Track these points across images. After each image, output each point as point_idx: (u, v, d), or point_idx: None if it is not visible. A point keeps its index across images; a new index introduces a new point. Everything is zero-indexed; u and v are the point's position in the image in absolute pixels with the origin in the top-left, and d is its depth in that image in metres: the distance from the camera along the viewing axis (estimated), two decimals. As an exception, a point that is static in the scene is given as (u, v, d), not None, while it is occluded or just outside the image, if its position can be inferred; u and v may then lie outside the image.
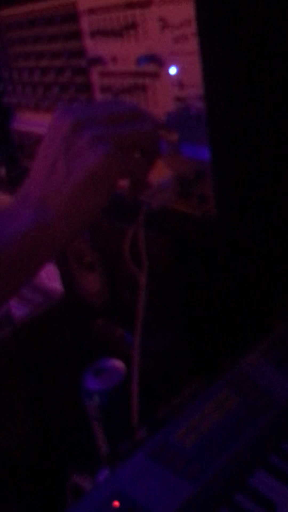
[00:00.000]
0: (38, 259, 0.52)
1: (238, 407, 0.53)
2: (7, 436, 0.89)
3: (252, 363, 0.58)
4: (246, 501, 0.46)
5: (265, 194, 0.58)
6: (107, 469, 0.56)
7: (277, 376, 0.56)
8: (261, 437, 0.51)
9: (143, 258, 0.61)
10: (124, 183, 0.55)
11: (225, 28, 0.51)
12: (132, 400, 0.68)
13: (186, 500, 0.46)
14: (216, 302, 0.65)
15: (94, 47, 0.67)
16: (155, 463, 0.49)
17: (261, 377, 0.56)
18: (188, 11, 0.52)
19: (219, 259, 0.62)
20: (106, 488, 0.47)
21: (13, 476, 0.86)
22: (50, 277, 1.01)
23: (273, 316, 0.63)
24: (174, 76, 0.57)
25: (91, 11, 0.65)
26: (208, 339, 0.69)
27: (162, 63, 0.57)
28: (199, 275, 0.64)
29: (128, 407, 0.69)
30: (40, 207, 0.50)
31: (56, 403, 0.91)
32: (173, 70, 0.57)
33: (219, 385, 0.56)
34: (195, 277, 0.65)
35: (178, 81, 0.57)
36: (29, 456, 0.88)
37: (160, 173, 0.61)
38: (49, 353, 0.94)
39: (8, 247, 0.49)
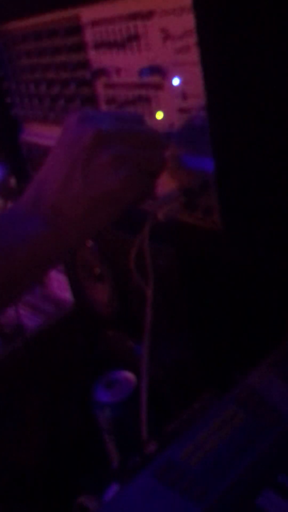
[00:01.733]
0: (46, 264, 0.53)
1: (246, 424, 0.52)
2: (18, 447, 0.89)
3: (260, 377, 0.57)
4: (254, 522, 0.45)
5: (270, 205, 0.57)
6: (116, 484, 0.55)
7: (286, 391, 0.55)
8: (269, 455, 0.50)
9: (149, 270, 0.61)
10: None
11: (226, 37, 0.51)
12: (141, 414, 0.68)
13: (192, 520, 0.45)
14: (225, 313, 0.64)
15: (98, 59, 0.67)
16: (161, 483, 0.48)
17: (269, 393, 0.55)
18: (189, 21, 0.51)
19: (226, 270, 0.61)
20: (111, 510, 0.46)
21: (23, 490, 0.86)
22: (61, 288, 1.01)
23: (283, 327, 0.62)
24: (177, 87, 0.57)
25: (94, 23, 0.65)
26: (217, 350, 0.68)
27: (165, 74, 0.57)
28: (206, 287, 0.63)
29: (139, 419, 0.68)
30: (54, 215, 0.51)
31: (67, 414, 0.91)
32: (176, 81, 0.56)
33: (226, 401, 0.55)
34: (203, 289, 0.64)
35: (181, 92, 0.57)
36: (40, 468, 0.87)
37: (166, 185, 0.61)
38: (60, 363, 0.94)
39: (17, 251, 0.50)
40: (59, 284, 1.01)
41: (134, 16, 0.58)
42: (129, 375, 0.80)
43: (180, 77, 0.56)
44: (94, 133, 0.50)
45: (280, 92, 0.54)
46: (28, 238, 0.50)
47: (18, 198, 0.54)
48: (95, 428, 0.78)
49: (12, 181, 1.01)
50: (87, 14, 0.65)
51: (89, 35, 0.66)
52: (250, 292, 0.61)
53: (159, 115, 0.61)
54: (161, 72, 0.57)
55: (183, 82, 0.56)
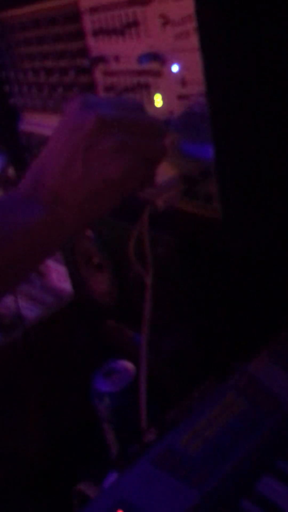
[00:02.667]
0: (44, 251, 0.53)
1: (245, 411, 0.52)
2: (18, 437, 0.89)
3: (260, 365, 0.57)
4: (253, 507, 0.45)
5: (271, 192, 0.57)
6: (115, 473, 0.55)
7: (286, 379, 0.55)
8: (268, 442, 0.50)
9: (148, 259, 0.60)
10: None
11: (225, 22, 0.50)
12: (140, 402, 0.68)
13: (191, 507, 0.45)
14: (225, 302, 0.64)
15: (96, 46, 0.66)
16: (160, 470, 0.48)
17: (269, 380, 0.55)
18: (189, 6, 0.51)
19: (226, 259, 0.61)
20: (110, 497, 0.46)
21: (23, 479, 0.86)
22: (60, 279, 1.01)
23: (284, 315, 0.62)
24: (176, 73, 0.56)
25: (93, 10, 0.64)
26: (217, 339, 0.68)
27: (164, 61, 0.56)
28: (206, 275, 0.63)
29: (138, 408, 0.68)
30: (53, 201, 0.50)
31: (67, 404, 0.91)
32: (175, 68, 0.56)
33: (226, 389, 0.55)
34: (203, 277, 0.64)
35: (181, 79, 0.56)
36: (40, 457, 0.88)
37: (165, 173, 0.60)
38: (59, 354, 0.94)
39: (18, 237, 0.49)
40: (58, 275, 1.01)
41: (133, 2, 0.58)
42: (129, 364, 0.80)
43: (179, 63, 0.55)
44: (97, 119, 0.50)
45: (281, 78, 0.54)
46: (27, 224, 0.49)
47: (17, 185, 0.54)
48: (94, 418, 0.78)
49: (11, 171, 1.00)
50: (85, 0, 0.65)
51: (88, 22, 0.66)
52: (250, 280, 0.61)
53: (158, 99, 0.60)
54: (160, 59, 0.57)
55: (182, 69, 0.55)
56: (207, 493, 0.46)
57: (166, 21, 0.55)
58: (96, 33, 0.65)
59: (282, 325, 0.60)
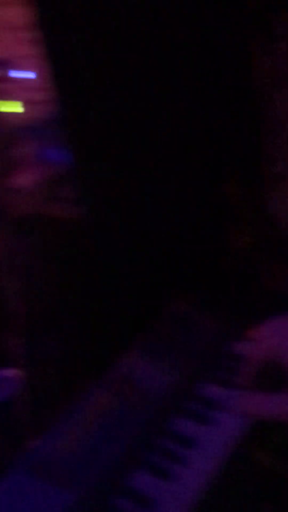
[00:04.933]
0: None
1: (117, 409, 0.53)
2: None
3: (130, 362, 0.58)
4: (127, 503, 0.46)
5: (128, 192, 0.58)
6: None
7: (153, 372, 0.57)
8: (140, 437, 0.51)
9: (13, 264, 0.60)
10: None
11: (68, 29, 0.50)
12: (23, 409, 0.67)
13: (66, 509, 0.46)
14: (93, 302, 0.65)
15: None
16: (34, 477, 0.48)
17: (138, 376, 0.56)
18: (30, 14, 0.51)
19: (90, 259, 0.61)
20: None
21: None
22: None
23: (150, 311, 0.64)
24: (25, 79, 0.56)
25: None
26: (95, 340, 0.69)
27: (10, 67, 0.56)
28: (72, 277, 0.64)
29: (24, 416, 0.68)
30: None
31: None
32: (22, 74, 0.56)
33: (99, 389, 0.55)
34: (72, 279, 0.64)
35: (32, 85, 0.56)
36: None
37: (27, 179, 0.60)
38: None
39: None
40: None
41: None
42: (12, 372, 0.79)
43: (28, 70, 0.55)
44: None
45: (129, 82, 0.55)
46: None
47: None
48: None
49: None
50: None
51: None
52: (114, 280, 0.62)
53: (18, 106, 0.60)
54: (4, 65, 0.56)
55: (31, 75, 0.55)
56: (81, 493, 0.47)
57: (11, 27, 0.54)
58: None
59: (149, 321, 0.61)
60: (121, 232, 0.59)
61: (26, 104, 0.58)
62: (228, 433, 0.50)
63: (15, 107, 0.60)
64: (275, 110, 0.72)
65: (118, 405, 0.54)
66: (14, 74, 0.55)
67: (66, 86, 0.52)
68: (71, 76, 0.52)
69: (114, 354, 0.60)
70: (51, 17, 0.50)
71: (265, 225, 0.79)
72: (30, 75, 0.56)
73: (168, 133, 0.58)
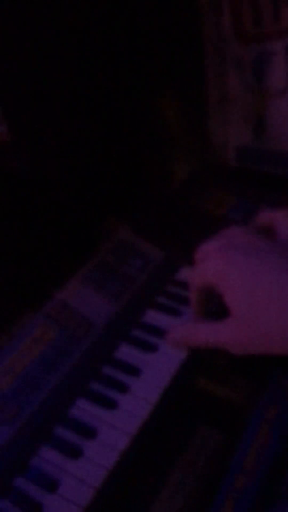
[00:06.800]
0: None
1: (58, 338, 0.51)
2: None
3: (72, 290, 0.56)
4: (67, 433, 0.45)
5: (52, 112, 0.53)
6: None
7: (97, 300, 0.55)
8: (81, 365, 0.50)
9: None
10: None
11: None
12: None
13: (6, 443, 0.44)
14: (28, 229, 0.61)
15: None
16: None
17: (80, 304, 0.54)
18: None
19: (20, 184, 0.57)
20: None
21: None
22: None
23: (94, 238, 0.61)
24: None
25: None
26: (30, 269, 0.65)
27: None
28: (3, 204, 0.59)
29: None
30: None
31: None
32: None
33: (39, 319, 0.53)
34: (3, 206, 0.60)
35: None
36: None
37: None
38: None
39: None
40: None
41: None
42: None
43: None
44: None
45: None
46: None
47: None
48: None
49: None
50: None
51: None
52: (47, 204, 0.58)
53: None
54: None
55: None
56: (21, 426, 0.45)
57: None
58: None
59: (94, 248, 0.59)
60: (47, 154, 0.54)
61: None
62: (172, 360, 0.49)
63: None
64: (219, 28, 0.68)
65: (58, 334, 0.52)
66: None
67: None
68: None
69: (53, 284, 0.58)
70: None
71: (206, 151, 0.77)
72: None
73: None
